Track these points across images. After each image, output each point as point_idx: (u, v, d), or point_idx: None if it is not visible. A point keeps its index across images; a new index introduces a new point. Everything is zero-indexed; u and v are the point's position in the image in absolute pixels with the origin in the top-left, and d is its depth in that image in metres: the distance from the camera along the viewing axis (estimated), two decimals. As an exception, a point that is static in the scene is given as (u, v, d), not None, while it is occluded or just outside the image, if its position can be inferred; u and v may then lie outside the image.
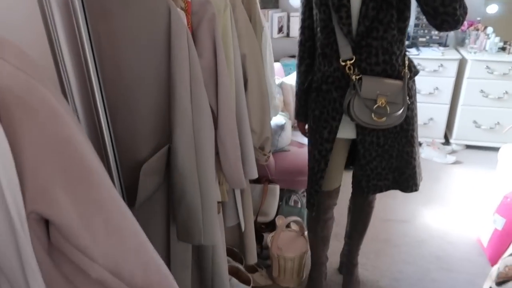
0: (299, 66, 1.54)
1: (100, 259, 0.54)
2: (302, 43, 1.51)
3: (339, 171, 1.57)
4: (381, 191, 1.54)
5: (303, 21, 1.49)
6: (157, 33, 0.84)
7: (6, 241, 0.47)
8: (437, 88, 3.15)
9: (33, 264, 0.49)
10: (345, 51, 1.35)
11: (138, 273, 0.62)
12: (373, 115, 1.34)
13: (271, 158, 2.21)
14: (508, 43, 3.05)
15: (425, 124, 3.28)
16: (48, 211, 0.48)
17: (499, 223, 1.90)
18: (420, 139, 3.26)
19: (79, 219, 0.50)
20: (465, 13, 1.25)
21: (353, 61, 1.34)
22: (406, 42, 3.39)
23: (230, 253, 1.73)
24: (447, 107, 3.22)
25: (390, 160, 1.50)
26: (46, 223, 0.51)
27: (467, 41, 3.22)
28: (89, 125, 0.83)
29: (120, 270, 0.58)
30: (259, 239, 2.09)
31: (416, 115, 1.51)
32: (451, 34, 3.36)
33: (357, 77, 1.34)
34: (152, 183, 0.95)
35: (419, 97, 3.16)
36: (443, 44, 3.33)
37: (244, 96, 1.24)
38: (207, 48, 1.09)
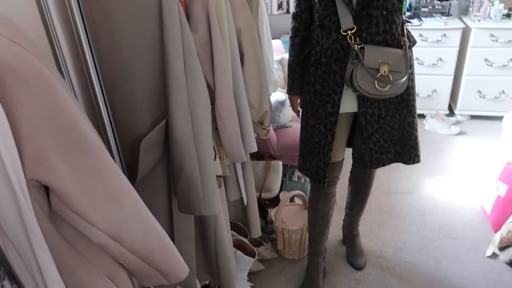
0: (294, 37, 1.52)
1: (100, 224, 0.57)
2: (298, 15, 1.49)
3: (342, 144, 1.58)
4: (384, 164, 1.55)
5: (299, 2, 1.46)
6: (148, 7, 0.85)
7: (9, 208, 0.50)
8: (440, 59, 3.11)
9: (35, 229, 0.51)
10: (346, 21, 1.35)
11: (138, 239, 0.65)
12: (376, 84, 1.34)
13: (273, 134, 2.22)
14: (513, 9, 2.99)
15: (428, 96, 3.25)
16: (47, 178, 0.50)
17: (502, 189, 1.92)
18: (423, 111, 3.25)
19: (77, 186, 0.52)
20: None
21: (354, 31, 1.34)
22: (408, 13, 3.32)
23: (234, 227, 1.77)
24: (451, 78, 3.18)
25: (392, 132, 1.51)
26: (47, 190, 0.54)
27: (470, 9, 3.16)
28: (86, 102, 0.85)
29: (120, 235, 0.61)
30: (264, 214, 2.13)
31: (415, 85, 1.51)
32: (454, 2, 3.29)
33: (359, 46, 1.34)
34: (152, 158, 0.97)
35: (422, 69, 3.14)
36: (446, 13, 3.27)
37: (241, 71, 1.25)
38: (201, 23, 1.09)
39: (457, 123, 3.24)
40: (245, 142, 1.27)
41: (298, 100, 1.61)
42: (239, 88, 1.23)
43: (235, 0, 1.25)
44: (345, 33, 1.35)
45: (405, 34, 1.41)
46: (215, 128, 1.23)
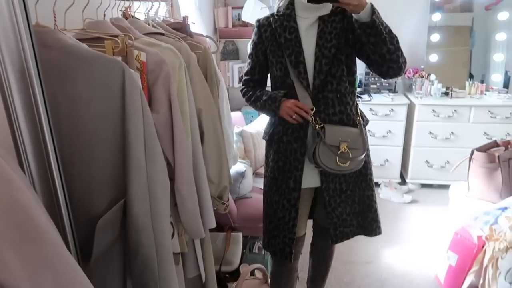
0: (247, 88, 1.62)
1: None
2: (250, 82, 1.62)
3: (304, 219, 1.63)
4: (347, 238, 1.59)
5: (253, 74, 1.58)
6: (112, 93, 0.89)
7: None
8: (390, 131, 3.34)
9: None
10: (306, 103, 1.46)
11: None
12: (337, 160, 1.43)
13: (233, 205, 2.23)
14: (450, 88, 3.33)
15: (381, 165, 3.43)
16: (-4, 274, 0.49)
17: (453, 259, 1.99)
18: (377, 180, 3.40)
19: (28, 279, 0.51)
20: (405, 62, 1.41)
21: (314, 111, 1.45)
22: (359, 89, 3.60)
23: (192, 305, 1.70)
24: (400, 149, 3.40)
25: (353, 205, 1.58)
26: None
27: (413, 87, 3.49)
28: (42, 182, 0.85)
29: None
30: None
31: (371, 161, 1.62)
32: (399, 81, 3.62)
33: (319, 126, 1.45)
34: (108, 238, 0.95)
35: (374, 140, 3.34)
36: (392, 90, 3.58)
37: (201, 148, 1.29)
38: (163, 104, 1.14)
39: (409, 191, 3.41)
40: (204, 218, 1.28)
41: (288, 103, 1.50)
42: (199, 165, 1.26)
43: (196, 82, 1.33)
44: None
45: (359, 114, 1.54)
46: (174, 204, 1.23)
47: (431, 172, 3.36)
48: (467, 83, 3.39)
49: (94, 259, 0.94)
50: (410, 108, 3.31)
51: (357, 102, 1.59)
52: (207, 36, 1.85)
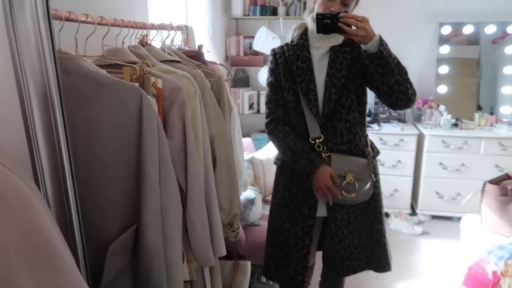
0: (282, 131, 1.53)
1: None
2: (281, 121, 1.54)
3: (313, 249, 1.61)
4: (355, 272, 1.55)
5: (278, 100, 1.53)
6: (129, 118, 0.90)
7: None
8: (399, 161, 3.32)
9: None
10: (314, 131, 1.47)
11: None
12: (343, 191, 1.42)
13: (242, 233, 2.20)
14: (459, 119, 3.32)
15: (391, 195, 3.39)
16: (12, 299, 0.48)
17: (467, 294, 1.93)
18: (387, 210, 3.35)
19: (41, 306, 0.51)
20: (414, 94, 1.41)
21: (321, 139, 1.46)
22: (368, 118, 3.61)
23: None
24: (410, 179, 3.36)
25: (361, 238, 1.55)
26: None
27: (423, 117, 3.48)
28: (57, 204, 0.85)
29: None
30: (230, 319, 2.01)
31: (381, 193, 1.60)
32: (408, 111, 3.63)
33: (326, 155, 1.45)
34: (118, 264, 0.94)
35: (384, 169, 3.31)
36: (402, 120, 3.58)
37: (213, 174, 1.29)
38: (178, 130, 1.15)
39: (420, 222, 3.35)
40: (214, 245, 1.26)
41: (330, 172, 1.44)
42: (211, 191, 1.26)
43: (210, 109, 1.34)
44: (313, 142, 1.45)
45: (369, 144, 1.54)
46: (185, 230, 1.22)
47: (442, 203, 3.31)
48: (476, 115, 3.38)
49: (104, 285, 0.93)
50: (420, 139, 3.30)
51: (367, 132, 1.58)
52: (220, 64, 1.89)
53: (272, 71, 1.57)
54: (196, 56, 1.70)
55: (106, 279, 0.92)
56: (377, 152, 1.58)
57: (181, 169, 1.17)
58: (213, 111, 1.34)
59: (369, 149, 1.53)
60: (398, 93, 1.37)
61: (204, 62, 1.71)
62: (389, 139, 3.30)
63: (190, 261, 1.31)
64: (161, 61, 1.36)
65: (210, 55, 2.65)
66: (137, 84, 1.07)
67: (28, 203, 0.51)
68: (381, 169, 3.32)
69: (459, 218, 3.20)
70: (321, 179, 1.41)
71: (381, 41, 1.33)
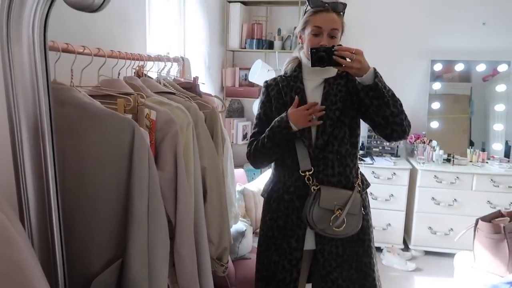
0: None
1: None
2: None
3: (302, 283, 1.57)
4: None
5: (261, 133, 1.52)
6: (120, 150, 0.90)
7: None
8: (392, 195, 3.31)
9: None
10: (305, 163, 1.46)
11: None
12: (331, 224, 1.40)
13: (231, 266, 2.16)
14: (452, 155, 3.35)
15: (383, 229, 3.36)
16: None
17: (461, 336, 1.88)
18: (380, 244, 3.31)
19: None
20: (409, 125, 1.43)
21: (311, 172, 1.45)
22: (361, 152, 3.62)
23: None
24: (403, 214, 3.34)
25: (350, 271, 1.52)
26: None
27: (415, 152, 3.51)
28: (41, 237, 0.83)
29: None
30: None
31: (371, 226, 1.58)
32: (401, 145, 3.66)
33: (316, 188, 1.43)
34: (101, 300, 0.91)
35: (376, 203, 3.30)
36: (395, 154, 3.60)
37: (203, 208, 1.28)
38: (169, 162, 1.15)
39: (412, 258, 3.30)
40: (202, 280, 1.23)
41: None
42: (200, 225, 1.24)
43: (202, 141, 1.35)
44: (303, 174, 1.45)
45: (359, 177, 1.54)
46: (172, 265, 1.19)
47: (435, 239, 3.28)
48: (468, 151, 3.41)
49: (85, 323, 0.89)
50: (413, 173, 3.31)
51: (359, 165, 1.58)
52: (215, 96, 1.91)
53: (262, 104, 1.58)
54: (191, 87, 1.72)
55: (87, 316, 0.89)
56: (367, 185, 1.58)
57: (171, 202, 1.15)
58: (206, 144, 1.34)
59: (359, 182, 1.52)
60: (393, 124, 1.38)
61: (199, 94, 1.73)
62: (381, 173, 3.31)
63: (176, 296, 1.28)
64: (156, 93, 1.37)
65: (205, 85, 2.69)
66: (130, 116, 1.07)
67: (10, 240, 0.50)
68: (373, 203, 3.35)
69: (452, 254, 3.16)
70: (294, 114, 1.42)
71: (376, 73, 1.35)
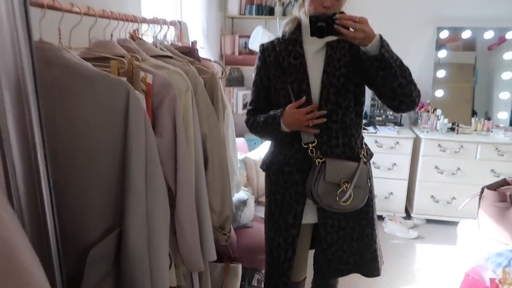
0: (252, 118, 1.48)
1: None
2: (253, 117, 1.49)
3: (304, 259, 1.52)
4: (342, 274, 1.50)
5: (257, 102, 1.47)
6: (114, 115, 0.84)
7: None
8: (395, 164, 3.28)
9: None
10: (307, 134, 1.37)
11: None
12: (338, 199, 1.33)
13: (233, 235, 2.15)
14: (456, 124, 3.28)
15: (386, 198, 3.35)
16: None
17: (463, 303, 1.88)
18: (382, 213, 3.31)
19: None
20: (419, 95, 1.33)
21: (314, 143, 1.36)
22: (364, 121, 3.57)
23: None
24: (405, 183, 3.32)
25: (351, 243, 1.48)
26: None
27: (419, 121, 3.45)
28: (31, 207, 0.78)
29: None
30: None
31: (374, 196, 1.53)
32: (405, 114, 3.59)
33: (320, 160, 1.35)
34: (99, 271, 0.88)
35: (378, 172, 3.27)
36: (398, 123, 3.54)
37: (204, 175, 1.23)
38: (167, 128, 1.09)
39: (414, 226, 3.31)
40: (204, 249, 1.20)
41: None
42: (201, 193, 1.20)
43: (202, 106, 1.28)
44: (306, 146, 1.38)
45: (364, 147, 1.46)
46: (173, 234, 1.16)
47: (437, 207, 3.27)
48: (473, 120, 3.35)
49: (83, 294, 0.86)
50: (416, 142, 3.26)
51: (363, 135, 1.51)
52: (215, 62, 1.83)
53: (258, 70, 1.46)
54: (189, 52, 1.64)
55: (85, 287, 0.86)
56: (370, 155, 1.51)
57: (170, 169, 1.11)
58: (206, 109, 1.28)
59: (364, 152, 1.45)
60: (402, 96, 1.28)
61: (198, 59, 1.65)
62: (385, 142, 3.26)
63: (178, 265, 1.25)
64: (152, 56, 1.29)
65: (204, 52, 2.59)
66: (124, 79, 1.01)
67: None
68: (376, 172, 3.31)
69: (454, 223, 3.18)
70: (290, 117, 1.33)
71: (382, 42, 1.23)
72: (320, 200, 1.33)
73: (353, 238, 1.47)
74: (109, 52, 1.09)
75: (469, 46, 3.48)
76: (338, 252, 1.45)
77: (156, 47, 1.44)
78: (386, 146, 3.24)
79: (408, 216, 3.42)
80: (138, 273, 0.83)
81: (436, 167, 3.19)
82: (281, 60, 1.39)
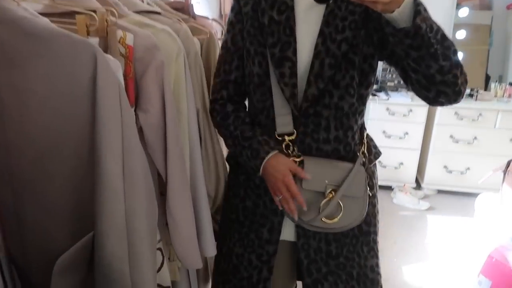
0: (221, 111, 1.04)
1: None
2: (222, 101, 1.05)
3: (286, 279, 1.12)
4: None
5: (228, 73, 1.03)
6: (77, 88, 0.64)
7: None
8: (407, 133, 3.08)
9: None
10: (283, 122, 0.97)
11: None
12: (320, 212, 0.94)
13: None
14: (475, 89, 3.06)
15: (395, 168, 3.18)
16: None
17: (485, 285, 1.75)
18: (391, 183, 3.16)
19: None
20: (466, 82, 0.90)
21: (293, 136, 0.98)
22: (375, 86, 3.31)
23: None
24: (417, 152, 3.14)
25: (349, 283, 1.04)
26: None
27: (434, 86, 3.22)
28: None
29: None
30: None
31: (378, 212, 1.11)
32: (418, 78, 3.35)
33: (297, 159, 0.97)
34: (69, 283, 0.71)
35: (389, 141, 3.08)
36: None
37: (200, 157, 1.04)
38: (155, 102, 0.89)
39: (425, 197, 3.16)
40: (202, 244, 1.04)
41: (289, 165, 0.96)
42: (198, 179, 1.02)
43: (196, 74, 1.07)
44: (280, 138, 0.98)
45: (365, 143, 1.06)
46: (165, 223, 0.99)
47: (450, 178, 3.11)
48: (493, 85, 3.12)
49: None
50: (431, 110, 3.04)
51: (366, 126, 1.11)
52: (213, 20, 1.59)
53: (230, 25, 1.04)
54: (183, 8, 1.40)
55: (53, 304, 0.69)
56: (376, 154, 1.09)
57: (159, 151, 0.92)
58: (201, 78, 1.07)
59: (364, 150, 1.04)
60: (442, 85, 0.85)
61: (193, 16, 1.42)
62: (397, 109, 3.04)
63: (172, 259, 1.09)
64: (136, 12, 1.07)
65: (200, 9, 2.33)
66: (96, 40, 0.80)
67: None
68: (386, 142, 3.13)
69: (467, 194, 3.05)
70: (275, 174, 0.94)
71: (417, 7, 0.77)
72: (299, 217, 0.95)
73: (352, 275, 1.04)
74: (79, 5, 0.87)
75: (486, 4, 3.22)
76: None
77: (143, 1, 1.21)
78: (399, 114, 3.03)
79: (418, 186, 3.27)
80: (117, 289, 0.66)
81: (451, 136, 2.99)
82: (260, 14, 0.98)
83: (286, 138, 0.97)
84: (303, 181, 0.94)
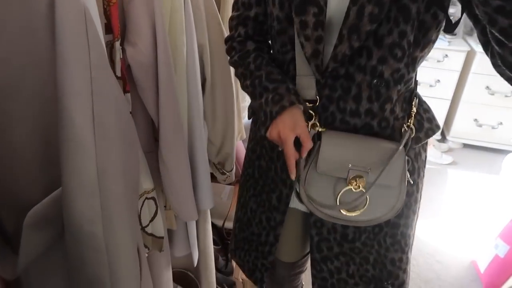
0: (242, 49, 0.88)
1: None
2: (241, 38, 0.88)
3: (293, 245, 1.04)
4: None
5: (248, 7, 0.85)
6: (34, 17, 0.51)
7: None
8: (438, 81, 2.85)
9: None
10: (305, 85, 0.79)
11: None
12: (337, 203, 0.80)
13: (242, 149, 1.89)
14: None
15: (422, 118, 3.00)
16: None
17: (502, 249, 1.66)
18: (414, 135, 3.00)
19: None
20: None
21: (316, 103, 0.79)
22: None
23: (183, 278, 1.45)
24: (448, 102, 2.93)
25: (364, 266, 0.93)
26: None
27: (476, 29, 2.91)
28: None
29: None
30: (226, 248, 1.83)
31: (417, 199, 0.92)
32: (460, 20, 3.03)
33: (320, 129, 0.80)
34: (42, 239, 0.64)
35: (418, 89, 2.85)
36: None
37: (201, 101, 0.93)
38: (144, 34, 0.77)
39: (449, 150, 3.01)
40: (199, 196, 0.96)
41: (301, 118, 0.79)
42: (196, 125, 0.91)
43: (198, 3, 0.92)
44: (299, 104, 0.79)
45: (412, 116, 0.84)
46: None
47: (479, 132, 2.91)
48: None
49: (21, 267, 0.64)
50: (469, 56, 2.77)
51: (418, 96, 0.89)
52: None
53: None
54: None
55: (24, 258, 0.63)
56: (427, 131, 0.86)
57: (150, 92, 0.81)
58: (206, 9, 0.92)
59: (411, 124, 0.83)
60: None
61: None
62: (430, 54, 2.77)
63: (168, 207, 1.03)
64: None
65: None
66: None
67: None
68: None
69: (495, 150, 2.88)
70: (283, 123, 0.78)
71: None
72: (309, 200, 0.81)
73: (368, 260, 0.92)
74: None
75: None
76: (340, 273, 0.94)
77: None
78: (432, 59, 2.78)
79: (443, 139, 3.10)
80: (90, 253, 0.58)
81: (487, 87, 2.75)
82: None
83: (307, 105, 0.79)
84: (319, 159, 0.77)
